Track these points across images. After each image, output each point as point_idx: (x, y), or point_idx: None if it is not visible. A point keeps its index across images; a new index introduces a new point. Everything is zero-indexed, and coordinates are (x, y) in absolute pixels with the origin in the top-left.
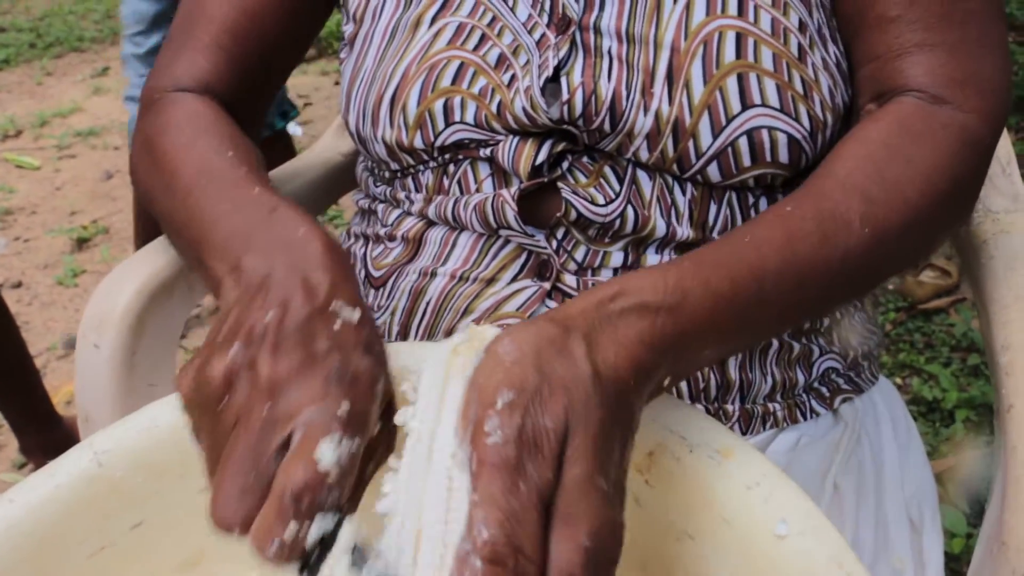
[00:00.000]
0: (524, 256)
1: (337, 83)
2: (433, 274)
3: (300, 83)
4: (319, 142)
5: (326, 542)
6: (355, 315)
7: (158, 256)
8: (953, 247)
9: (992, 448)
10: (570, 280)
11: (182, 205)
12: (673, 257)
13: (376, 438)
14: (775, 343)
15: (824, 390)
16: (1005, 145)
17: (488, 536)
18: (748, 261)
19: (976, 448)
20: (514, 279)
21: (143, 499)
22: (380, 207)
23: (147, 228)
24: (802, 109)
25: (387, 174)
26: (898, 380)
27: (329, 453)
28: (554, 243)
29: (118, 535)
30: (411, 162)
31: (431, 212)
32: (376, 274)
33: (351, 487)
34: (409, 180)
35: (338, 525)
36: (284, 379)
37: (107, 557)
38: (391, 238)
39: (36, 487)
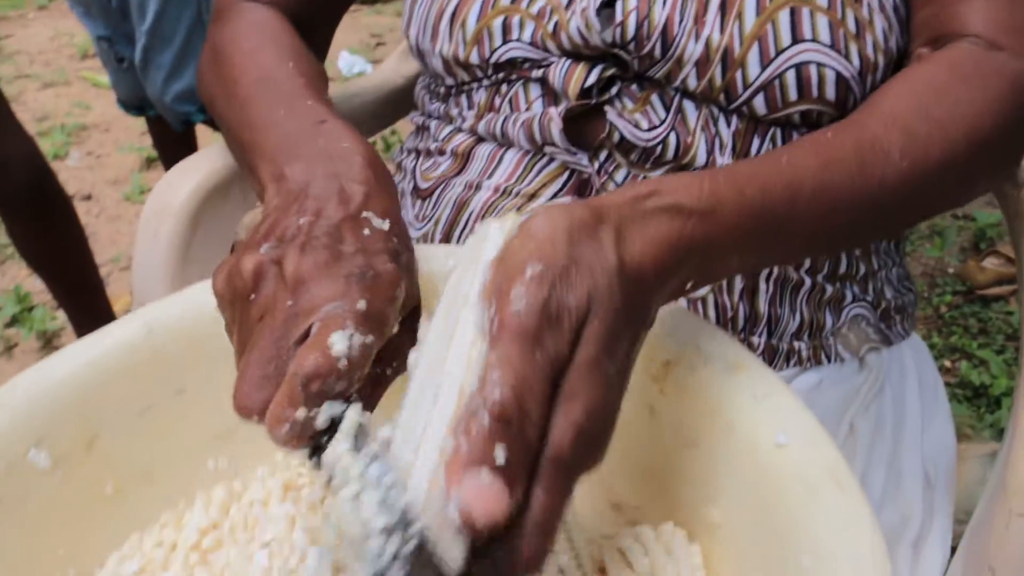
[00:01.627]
0: (566, 175)
1: None
2: (478, 187)
3: (374, 22)
4: (382, 65)
5: (335, 430)
6: (384, 224)
7: (218, 157)
8: (1002, 208)
9: None
10: None
11: (240, 112)
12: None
13: (396, 342)
14: (808, 282)
15: (852, 337)
16: None
17: (499, 395)
18: (784, 179)
19: None
20: (555, 196)
21: (187, 369)
22: (433, 123)
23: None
24: (853, 48)
25: (442, 90)
26: (947, 363)
27: (341, 344)
28: (596, 164)
29: (162, 399)
30: (466, 78)
31: (481, 128)
32: (424, 186)
33: (361, 379)
34: (463, 97)
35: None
36: (308, 276)
37: (151, 417)
38: (441, 152)
39: (89, 347)
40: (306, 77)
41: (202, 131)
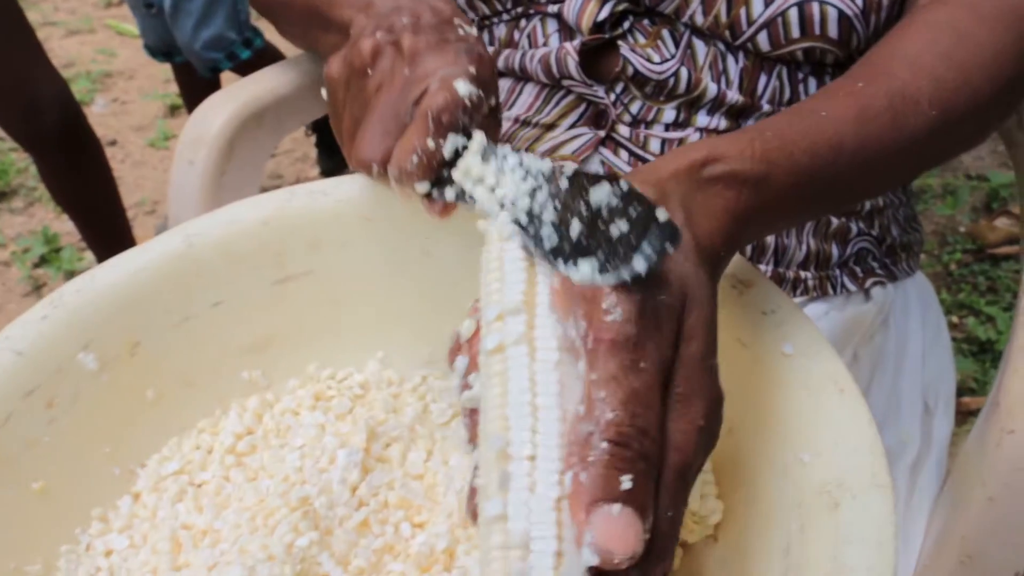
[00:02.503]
0: (583, 106)
1: None
2: None
3: None
4: None
5: (453, 164)
6: (473, 30)
7: (251, 87)
8: (1009, 153)
9: None
10: (624, 131)
11: None
12: (723, 121)
13: (485, 125)
14: None
15: (858, 270)
16: None
17: (612, 417)
18: (827, 136)
19: None
20: (572, 126)
21: (224, 282)
22: None
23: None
24: None
25: None
26: (954, 319)
27: (464, 88)
28: (612, 96)
29: (200, 310)
30: (487, 12)
31: (501, 63)
32: None
33: (481, 120)
34: (484, 33)
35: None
36: (423, 50)
37: (190, 327)
38: None
39: (132, 258)
40: None
41: (228, 79)
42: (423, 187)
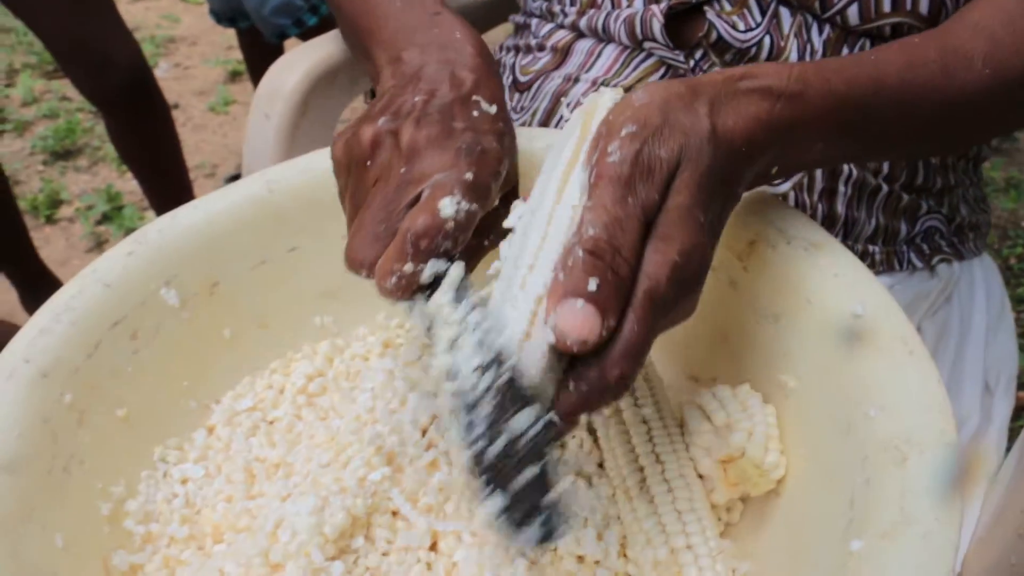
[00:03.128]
0: (662, 70)
1: None
2: (576, 80)
3: None
4: None
5: (435, 289)
6: (492, 109)
7: (326, 46)
8: None
9: None
10: None
11: (359, 3)
12: None
13: (494, 216)
14: (885, 188)
15: (925, 247)
16: None
17: (593, 232)
18: (868, 71)
19: None
20: None
21: (300, 228)
22: (534, 21)
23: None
24: None
25: None
26: (1016, 314)
27: (449, 208)
28: (692, 62)
29: (277, 254)
30: None
31: (582, 24)
32: (523, 79)
33: (464, 242)
34: None
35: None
36: (421, 147)
37: (266, 271)
38: (541, 48)
39: (217, 201)
40: None
41: (292, 46)
42: (403, 306)
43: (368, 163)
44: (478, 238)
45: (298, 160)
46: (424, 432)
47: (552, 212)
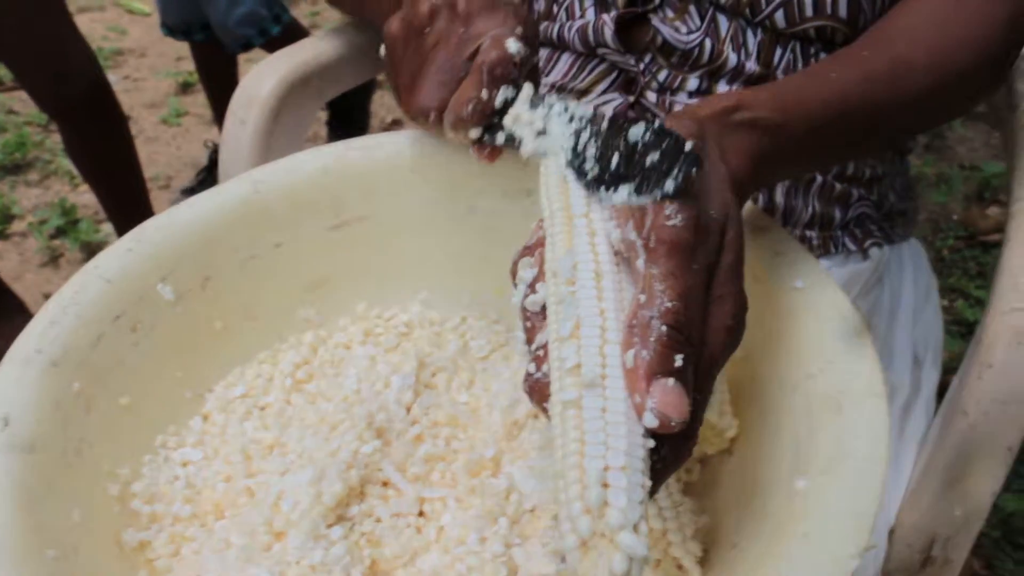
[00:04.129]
0: (615, 74)
1: None
2: None
3: None
4: None
5: (504, 113)
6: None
7: (298, 54)
8: (999, 131)
9: None
10: (651, 96)
11: None
12: (742, 88)
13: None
14: (819, 178)
15: (858, 232)
16: None
17: (672, 306)
18: (836, 93)
19: None
20: (604, 92)
21: (285, 225)
22: None
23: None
24: None
25: None
26: (945, 302)
27: (514, 45)
28: (641, 65)
29: (263, 250)
30: None
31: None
32: None
33: (524, 75)
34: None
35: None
36: (476, 10)
37: (253, 266)
38: None
39: (206, 200)
40: None
41: (243, 61)
42: (476, 133)
43: (427, 31)
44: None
45: (283, 161)
46: (408, 409)
47: (598, 267)
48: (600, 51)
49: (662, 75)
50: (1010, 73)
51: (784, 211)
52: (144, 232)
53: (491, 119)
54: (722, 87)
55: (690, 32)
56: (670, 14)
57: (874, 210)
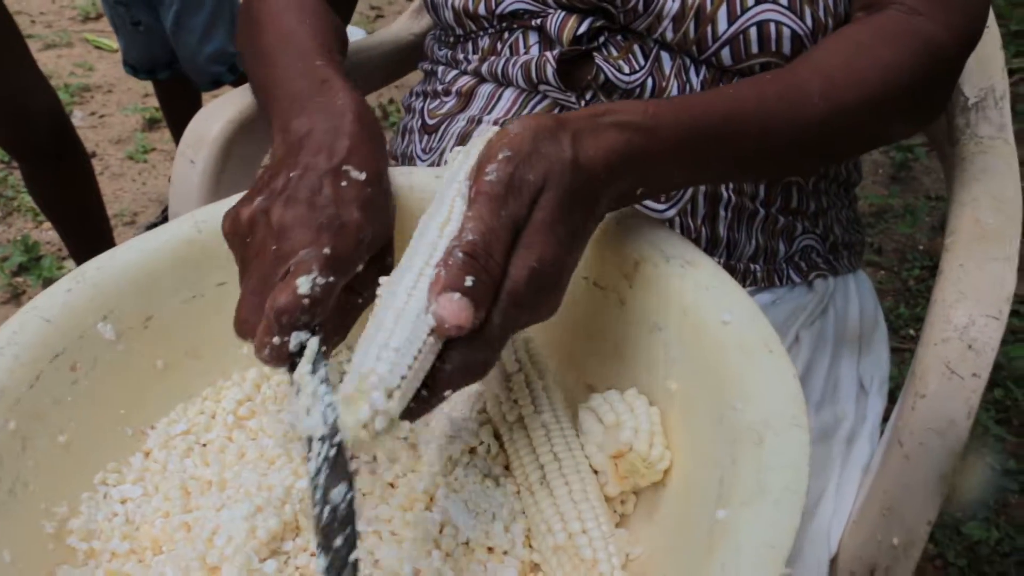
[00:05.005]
0: (557, 111)
1: None
2: (479, 121)
3: None
4: (395, 22)
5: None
6: (361, 176)
7: (248, 95)
8: (942, 164)
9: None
10: None
11: (263, 69)
12: None
13: (365, 277)
14: (762, 212)
15: (803, 264)
16: (1002, 81)
17: (471, 238)
18: (718, 107)
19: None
20: None
21: (228, 264)
22: (440, 68)
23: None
24: (807, 10)
25: (451, 39)
26: (912, 331)
27: (304, 286)
28: (583, 103)
29: (207, 289)
30: (473, 28)
31: (484, 70)
32: (431, 122)
33: (324, 313)
34: (469, 44)
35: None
36: (288, 225)
37: (197, 304)
38: (446, 93)
39: (148, 240)
40: (321, 37)
41: (207, 98)
42: (286, 374)
43: (248, 239)
44: (352, 297)
45: (227, 201)
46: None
47: (446, 220)
48: (542, 88)
49: None
50: (949, 108)
51: (727, 244)
52: (85, 272)
53: (294, 359)
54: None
55: (633, 72)
56: (614, 52)
57: (819, 243)
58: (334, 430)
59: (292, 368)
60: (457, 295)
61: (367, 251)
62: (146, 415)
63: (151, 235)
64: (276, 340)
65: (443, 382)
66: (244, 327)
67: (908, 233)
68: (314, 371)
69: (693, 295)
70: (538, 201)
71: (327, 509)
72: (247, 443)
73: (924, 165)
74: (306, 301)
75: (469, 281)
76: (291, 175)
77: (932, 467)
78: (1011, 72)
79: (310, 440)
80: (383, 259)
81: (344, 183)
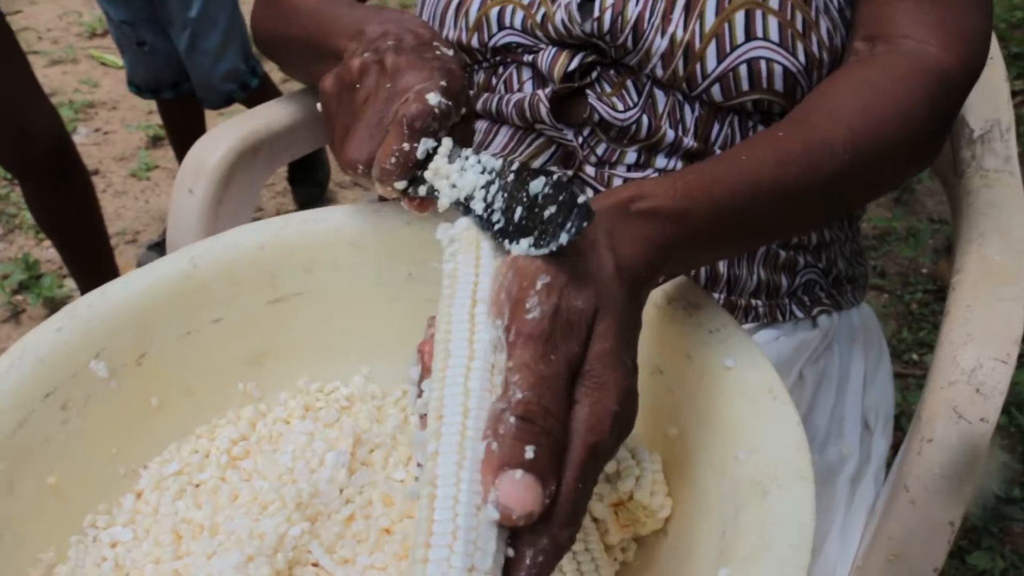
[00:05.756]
0: (553, 148)
1: None
2: None
3: None
4: None
5: (426, 165)
6: (449, 51)
7: (248, 122)
8: (946, 194)
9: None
10: (590, 170)
11: (308, 20)
12: (679, 163)
13: (457, 130)
14: (763, 248)
15: (806, 299)
16: (1008, 112)
17: (522, 396)
18: (745, 177)
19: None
20: (543, 165)
21: (224, 301)
22: None
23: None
24: (799, 46)
25: None
26: (915, 356)
27: (434, 98)
28: (580, 139)
29: (202, 325)
30: (468, 61)
31: (479, 106)
32: None
33: (445, 130)
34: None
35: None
36: (403, 67)
37: (191, 341)
38: None
39: (143, 276)
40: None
41: (211, 116)
42: (400, 184)
43: (357, 86)
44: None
45: (223, 235)
46: (342, 490)
47: (468, 369)
48: (537, 126)
49: (600, 149)
50: (955, 140)
51: (728, 280)
52: (76, 309)
53: (415, 171)
54: (660, 160)
55: (627, 109)
56: (607, 89)
57: (822, 277)
58: (504, 166)
59: (411, 183)
60: (519, 472)
61: (464, 103)
62: (139, 454)
63: (145, 270)
64: (406, 146)
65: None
66: (356, 155)
67: (911, 256)
68: (453, 158)
69: (696, 339)
70: (594, 332)
71: (524, 198)
72: (240, 484)
73: (927, 187)
74: (436, 111)
75: (530, 452)
76: (388, 43)
77: (939, 513)
78: (1013, 94)
79: (467, 203)
80: (469, 123)
81: (439, 52)
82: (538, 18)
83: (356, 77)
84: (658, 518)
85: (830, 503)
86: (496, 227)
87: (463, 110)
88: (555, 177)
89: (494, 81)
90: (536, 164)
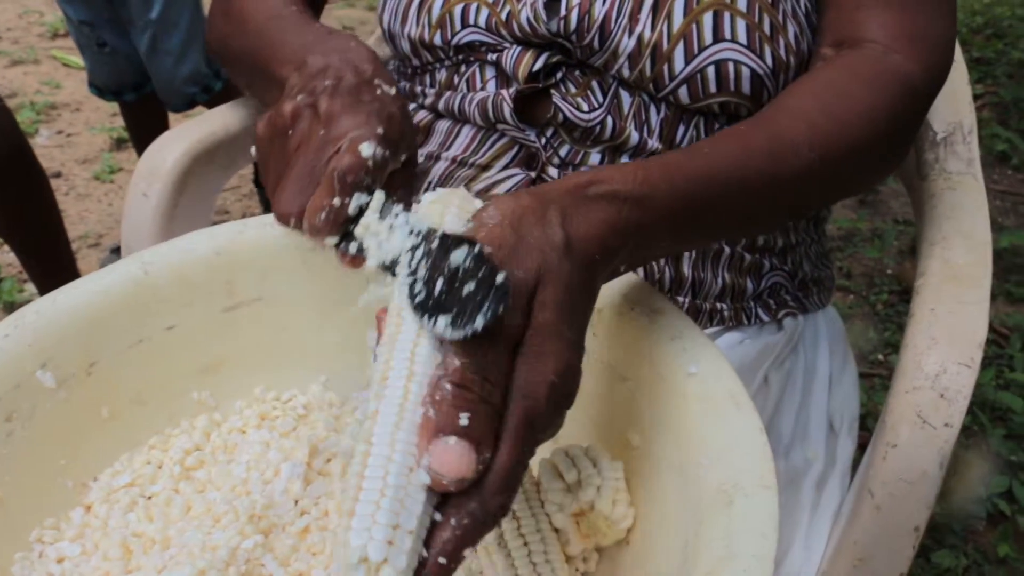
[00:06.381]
0: (516, 149)
1: None
2: (437, 158)
3: (346, 15)
4: None
5: (355, 223)
6: (391, 90)
7: (205, 124)
8: (910, 196)
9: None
10: (553, 172)
11: (255, 39)
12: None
13: (397, 176)
14: (727, 250)
15: (771, 302)
16: (970, 115)
17: (458, 364)
18: (706, 168)
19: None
20: (505, 167)
21: (177, 307)
22: None
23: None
24: (767, 49)
25: (409, 71)
26: (880, 356)
27: (368, 149)
28: (543, 140)
29: (154, 333)
30: (430, 59)
31: (441, 105)
32: None
33: (380, 183)
34: (426, 76)
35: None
36: (338, 112)
37: (143, 349)
38: None
39: (93, 282)
40: (308, 14)
41: (175, 119)
42: (332, 240)
43: (289, 132)
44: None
45: (177, 240)
46: (297, 501)
47: (418, 335)
48: (500, 126)
49: (564, 150)
50: (918, 143)
51: (693, 283)
52: (23, 317)
53: (346, 227)
54: (624, 162)
55: (592, 110)
56: (572, 89)
57: (788, 280)
58: (431, 231)
59: (342, 239)
60: (453, 439)
61: (405, 148)
62: (88, 466)
63: (95, 277)
64: (336, 202)
65: (455, 541)
66: (288, 209)
67: (876, 257)
68: (383, 216)
69: (659, 345)
70: (535, 299)
71: (442, 278)
72: (194, 496)
73: (892, 189)
74: (370, 163)
75: (464, 419)
76: (326, 83)
77: (904, 518)
78: (975, 98)
79: (392, 266)
80: (409, 169)
81: (379, 91)
82: (503, 16)
83: (289, 122)
84: (620, 528)
85: (795, 507)
86: (417, 299)
87: (403, 156)
88: (476, 249)
89: (456, 80)
90: (499, 165)
